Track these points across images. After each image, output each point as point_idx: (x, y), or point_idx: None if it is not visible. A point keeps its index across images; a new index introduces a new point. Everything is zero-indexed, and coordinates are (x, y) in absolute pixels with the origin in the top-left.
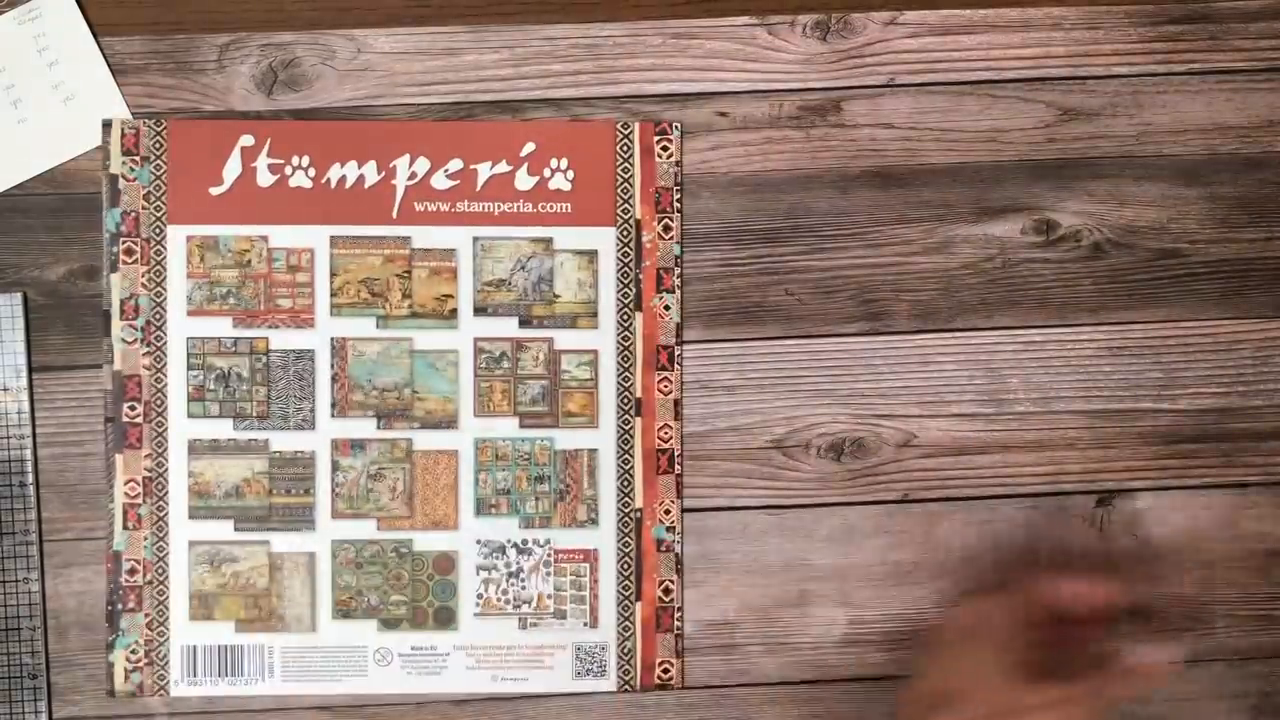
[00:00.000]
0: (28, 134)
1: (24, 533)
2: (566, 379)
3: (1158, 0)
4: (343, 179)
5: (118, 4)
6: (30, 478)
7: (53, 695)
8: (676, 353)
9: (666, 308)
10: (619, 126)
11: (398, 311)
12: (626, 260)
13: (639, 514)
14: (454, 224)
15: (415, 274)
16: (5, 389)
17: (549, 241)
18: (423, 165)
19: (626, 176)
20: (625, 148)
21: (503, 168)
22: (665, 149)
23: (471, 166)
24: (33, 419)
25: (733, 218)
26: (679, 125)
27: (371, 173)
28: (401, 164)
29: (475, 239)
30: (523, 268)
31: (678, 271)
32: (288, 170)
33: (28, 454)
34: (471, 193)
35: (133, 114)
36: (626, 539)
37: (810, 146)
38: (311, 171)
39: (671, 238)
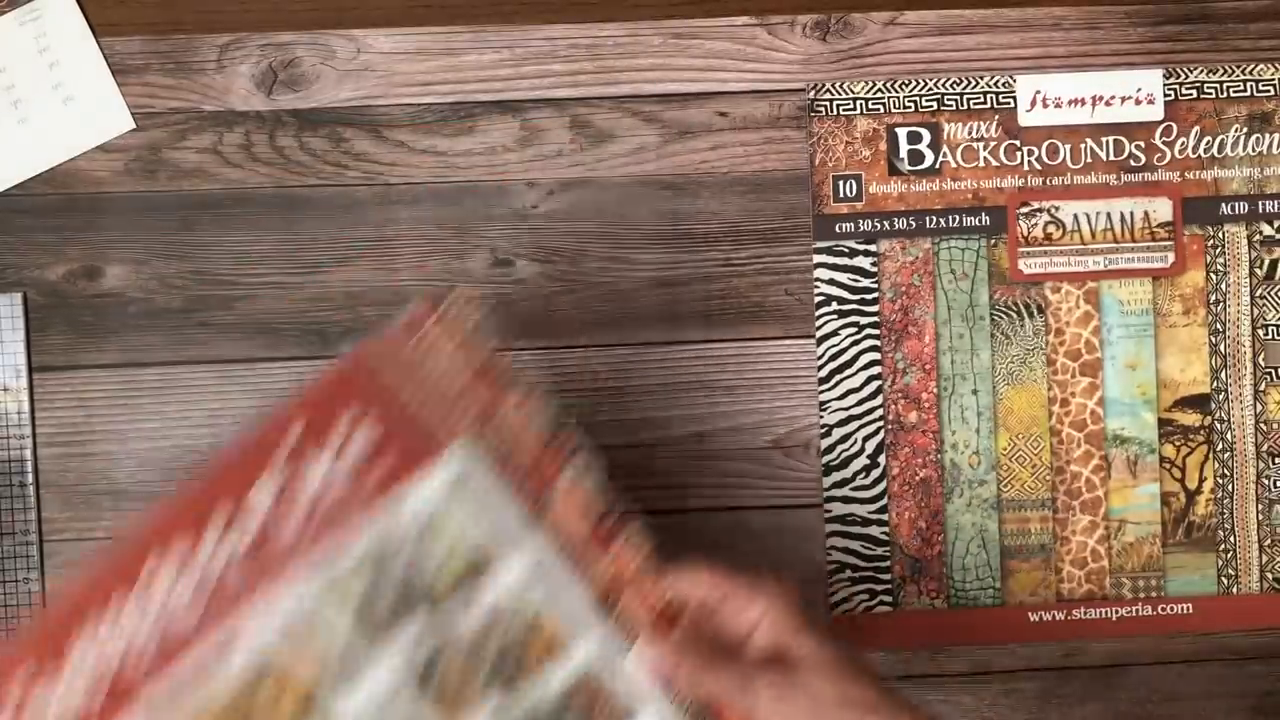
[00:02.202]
0: (28, 134)
1: (24, 533)
2: None
3: (1158, 0)
4: None
5: (118, 4)
6: (30, 478)
7: None
8: None
9: None
10: None
11: None
12: None
13: None
14: None
15: None
16: (5, 389)
17: None
18: None
19: None
20: None
21: None
22: None
23: None
24: (33, 419)
25: (733, 218)
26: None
27: None
28: None
29: None
30: None
31: None
32: None
33: (28, 454)
34: None
35: (133, 114)
36: None
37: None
38: None
39: None
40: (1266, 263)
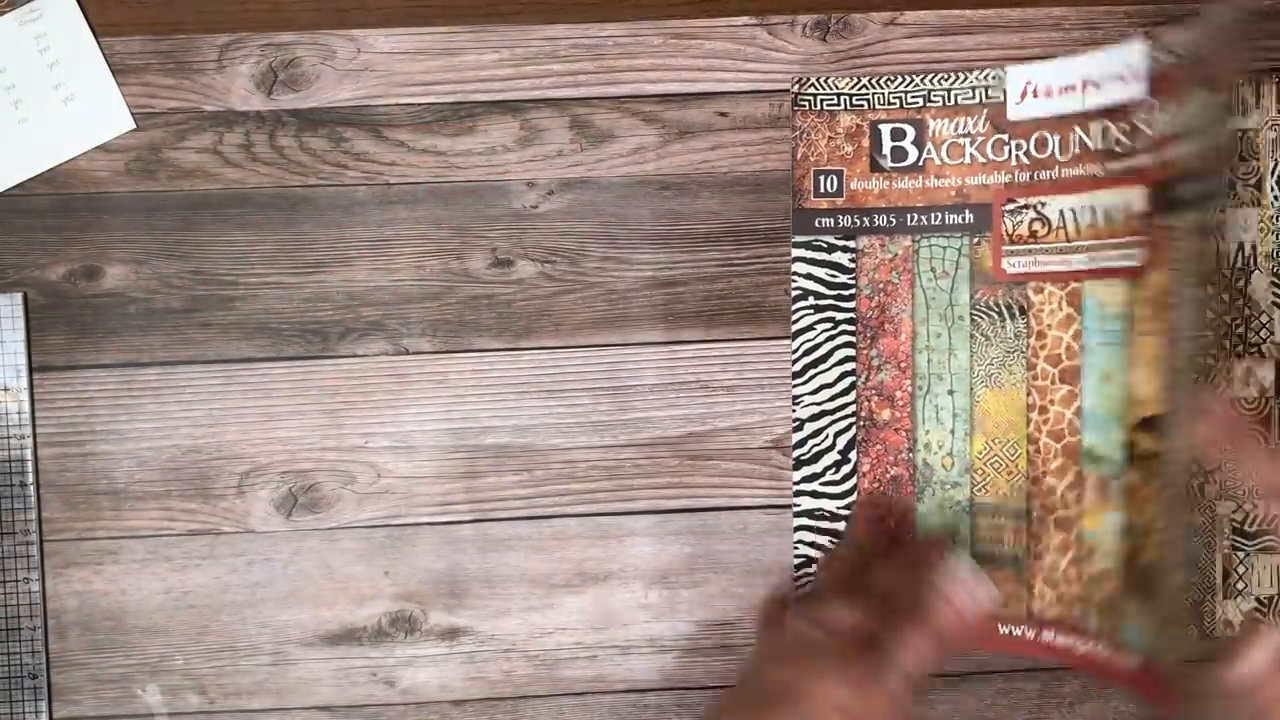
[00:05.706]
0: (28, 134)
1: (24, 533)
2: None
3: (1158, 0)
4: None
5: (118, 4)
6: (30, 478)
7: (53, 695)
8: None
9: None
10: None
11: None
12: None
13: None
14: None
15: None
16: (5, 389)
17: None
18: None
19: None
20: None
21: None
22: None
23: None
24: (33, 419)
25: (733, 218)
26: None
27: None
28: None
29: None
30: None
31: None
32: None
33: (28, 454)
34: None
35: (133, 114)
36: None
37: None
38: None
39: None
40: None
